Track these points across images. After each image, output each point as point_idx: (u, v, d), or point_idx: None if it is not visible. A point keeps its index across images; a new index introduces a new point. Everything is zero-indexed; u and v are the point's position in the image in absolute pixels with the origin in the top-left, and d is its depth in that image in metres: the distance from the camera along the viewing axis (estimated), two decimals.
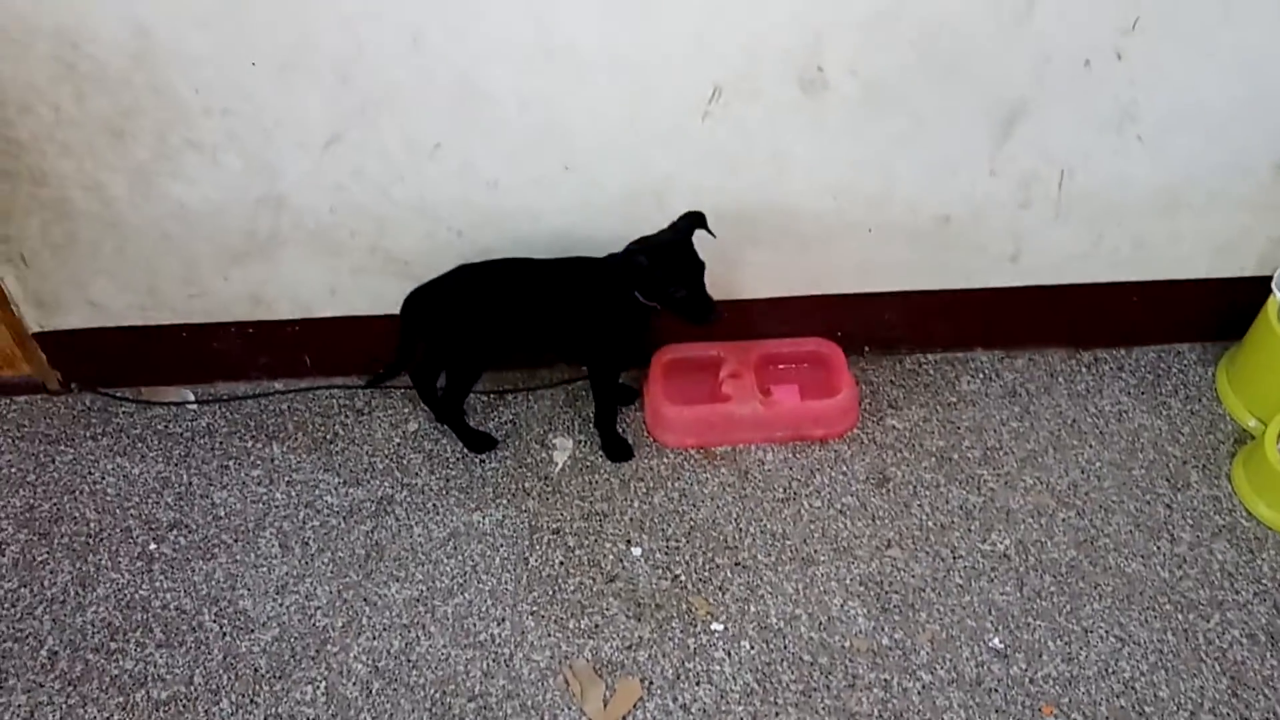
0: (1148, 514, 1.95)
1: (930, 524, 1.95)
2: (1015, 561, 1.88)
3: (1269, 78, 1.85)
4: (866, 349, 2.28)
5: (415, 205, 1.95)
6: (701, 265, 1.82)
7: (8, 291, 2.07)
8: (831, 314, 2.21)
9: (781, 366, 2.22)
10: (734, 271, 2.10)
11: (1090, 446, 2.08)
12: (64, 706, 1.70)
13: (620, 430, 2.10)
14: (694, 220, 1.82)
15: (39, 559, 1.92)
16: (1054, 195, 2.02)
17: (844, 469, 2.06)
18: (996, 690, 1.69)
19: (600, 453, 2.09)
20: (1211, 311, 2.23)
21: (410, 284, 2.00)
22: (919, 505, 1.99)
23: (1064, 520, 1.95)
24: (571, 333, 1.96)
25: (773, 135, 1.89)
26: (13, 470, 2.09)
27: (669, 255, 1.79)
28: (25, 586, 1.88)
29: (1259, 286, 2.12)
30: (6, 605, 1.85)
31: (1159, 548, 1.90)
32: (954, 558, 1.89)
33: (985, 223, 2.06)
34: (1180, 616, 1.79)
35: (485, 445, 2.11)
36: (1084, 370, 2.25)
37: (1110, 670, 1.72)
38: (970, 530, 1.94)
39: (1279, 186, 2.02)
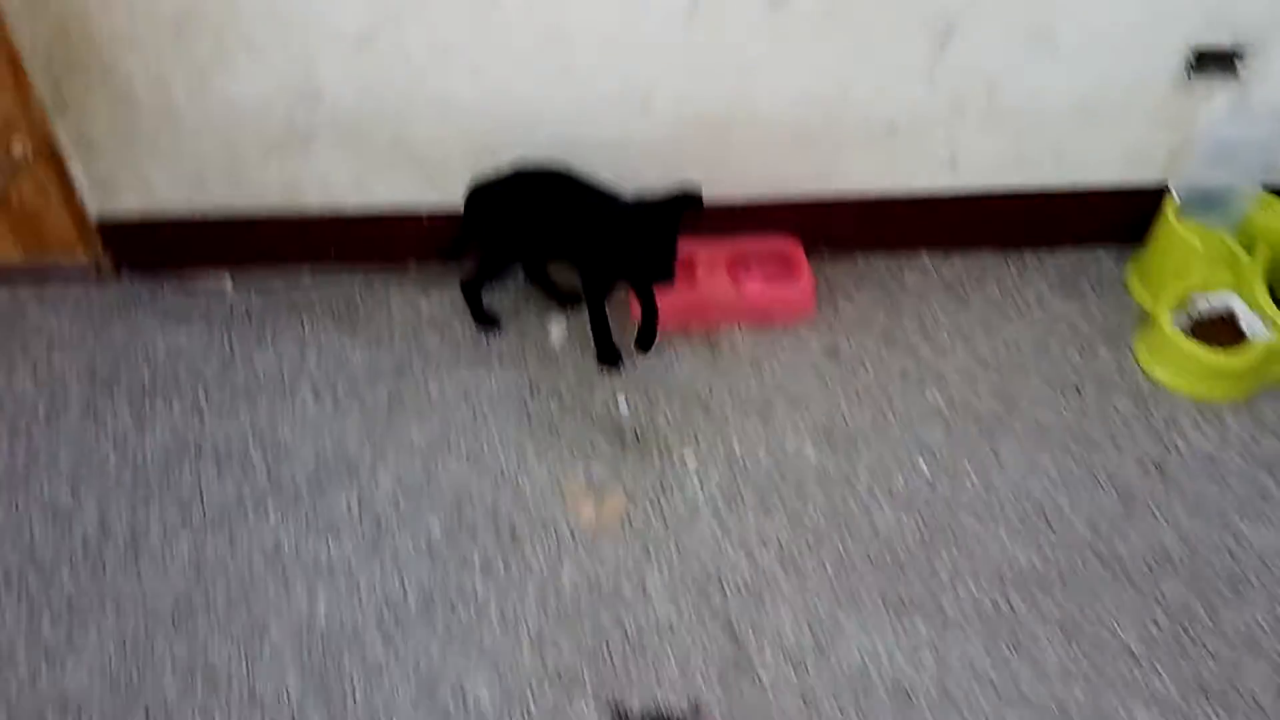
0: (1059, 376, 2.28)
1: (873, 385, 2.27)
2: (944, 413, 2.21)
3: (1163, 3, 2.19)
4: (824, 250, 2.60)
5: (434, 105, 2.26)
6: (676, 234, 2.07)
7: (74, 180, 2.36)
8: (793, 216, 2.52)
9: (749, 262, 2.52)
10: (710, 174, 2.41)
11: (1014, 325, 2.41)
12: (130, 514, 2.00)
13: (615, 339, 2.34)
14: (688, 200, 2.07)
15: (102, 405, 2.22)
16: (984, 106, 2.35)
17: (801, 344, 2.38)
18: (924, 506, 2.02)
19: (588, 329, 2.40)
20: (1124, 217, 2.56)
21: (426, 180, 2.31)
22: (864, 370, 2.31)
23: (985, 381, 2.28)
24: (579, 248, 2.23)
25: (742, 47, 2.21)
26: (73, 337, 2.38)
27: (652, 236, 2.06)
28: (93, 423, 2.17)
29: (1164, 194, 2.46)
30: (76, 437, 2.14)
31: (1067, 402, 2.23)
32: (891, 409, 2.21)
33: (926, 131, 2.39)
34: (1082, 452, 2.12)
35: (491, 324, 2.41)
36: (1012, 268, 2.58)
37: (1021, 491, 2.04)
38: (907, 389, 2.26)
39: (1176, 101, 2.36)
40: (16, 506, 2.00)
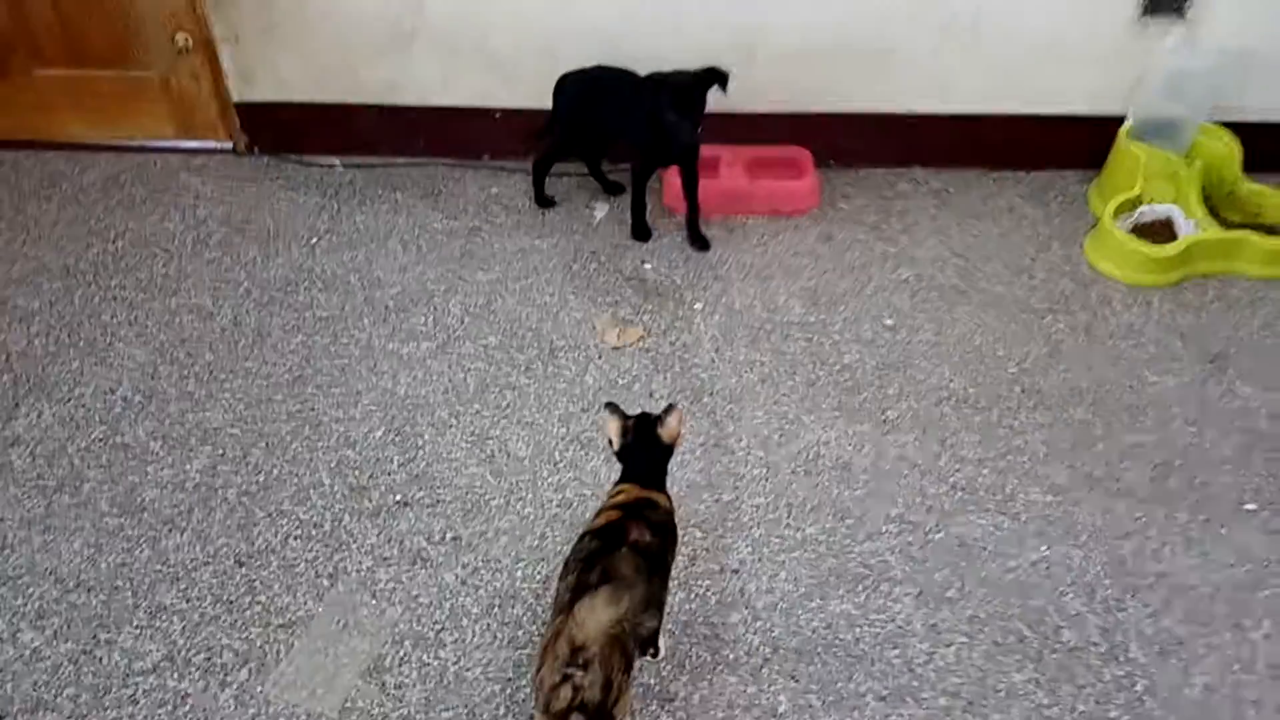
0: (1016, 263, 2.72)
1: (857, 263, 2.74)
2: (913, 284, 2.67)
3: None
4: (830, 161, 3.07)
5: (511, 16, 2.79)
6: (700, 105, 2.51)
7: (223, 66, 2.95)
8: (805, 129, 2.99)
9: (764, 164, 3.00)
10: (734, 89, 2.90)
11: (984, 225, 2.86)
12: (257, 317, 2.56)
13: (648, 219, 2.84)
14: (715, 76, 2.51)
15: (235, 242, 2.79)
16: (969, 40, 2.80)
17: (801, 231, 2.86)
18: (884, 348, 2.48)
19: (630, 211, 2.90)
20: (1089, 144, 2.97)
21: (501, 81, 2.84)
22: (850, 252, 2.78)
23: (953, 263, 2.73)
24: (632, 123, 2.71)
25: None
26: (213, 195, 2.96)
27: (680, 90, 2.52)
28: (226, 255, 2.75)
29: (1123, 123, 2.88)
30: (215, 262, 2.72)
31: (1019, 280, 2.67)
32: (869, 281, 2.68)
33: (919, 60, 2.85)
34: (1025, 316, 2.56)
35: (548, 204, 2.93)
36: (991, 183, 3.02)
37: (964, 339, 2.49)
38: (885, 267, 2.72)
39: (1133, 40, 2.78)
40: (170, 307, 2.58)
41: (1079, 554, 2.01)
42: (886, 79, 2.90)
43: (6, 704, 1.74)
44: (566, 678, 1.40)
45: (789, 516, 2.06)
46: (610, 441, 1.76)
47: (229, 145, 3.10)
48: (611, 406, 1.75)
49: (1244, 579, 1.96)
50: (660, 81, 2.54)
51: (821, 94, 2.94)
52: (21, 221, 2.85)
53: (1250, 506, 2.09)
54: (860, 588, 1.94)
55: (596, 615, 1.42)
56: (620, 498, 1.67)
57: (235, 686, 1.77)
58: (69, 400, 2.31)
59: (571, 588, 1.52)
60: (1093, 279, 2.68)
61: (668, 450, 1.75)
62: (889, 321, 2.55)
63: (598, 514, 1.68)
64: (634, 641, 1.51)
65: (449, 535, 2.04)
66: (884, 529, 2.05)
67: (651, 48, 2.82)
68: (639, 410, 1.78)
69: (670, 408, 1.75)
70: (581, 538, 1.62)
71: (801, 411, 2.31)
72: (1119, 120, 2.89)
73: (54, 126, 3.09)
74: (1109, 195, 2.83)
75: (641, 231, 2.82)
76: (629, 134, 2.73)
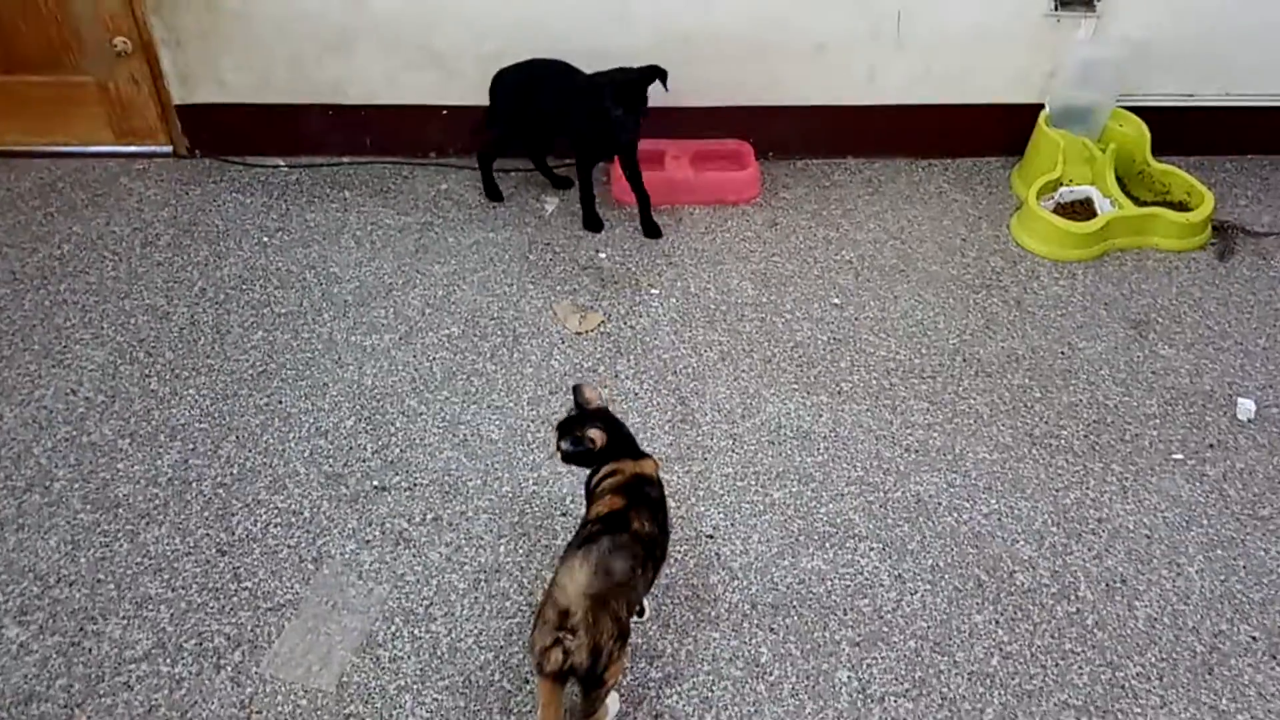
0: (948, 243, 2.89)
1: (801, 247, 2.87)
2: (855, 265, 2.80)
3: None
4: (770, 152, 3.20)
5: (454, 15, 2.85)
6: (643, 101, 2.62)
7: (164, 70, 2.93)
8: (745, 122, 3.11)
9: (708, 156, 3.11)
10: (677, 83, 3.00)
11: (916, 209, 3.02)
12: (214, 315, 2.55)
13: (598, 210, 2.92)
14: (657, 73, 2.63)
15: (184, 243, 2.78)
16: (896, 33, 2.96)
17: (747, 218, 2.97)
18: (833, 325, 2.60)
19: (578, 205, 2.98)
20: (1009, 131, 3.16)
21: (446, 79, 2.89)
22: (795, 237, 2.90)
23: (890, 245, 2.87)
24: (572, 120, 2.80)
25: None
26: (158, 198, 2.94)
27: (625, 86, 2.61)
28: (177, 257, 2.73)
29: (1040, 110, 3.08)
30: (166, 263, 2.70)
31: (952, 259, 2.83)
32: (814, 263, 2.81)
33: (850, 53, 3.00)
34: (960, 292, 2.72)
35: (497, 197, 2.99)
36: (920, 171, 3.19)
37: (907, 315, 2.63)
38: (828, 250, 2.85)
39: (1047, 33, 2.97)
40: (125, 308, 2.56)
41: (1026, 505, 2.15)
42: (820, 73, 3.04)
43: None
44: (557, 641, 1.46)
45: (757, 483, 2.16)
46: (588, 452, 1.72)
47: (169, 149, 3.08)
48: (564, 430, 1.73)
49: (1176, 520, 2.13)
50: (605, 78, 2.62)
51: (759, 89, 3.07)
52: None
53: (1177, 456, 2.27)
54: (828, 545, 2.04)
55: (575, 578, 1.48)
56: (617, 479, 1.70)
57: (230, 668, 1.78)
58: (29, 402, 2.28)
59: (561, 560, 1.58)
60: (1020, 256, 2.85)
61: (608, 413, 1.77)
62: (836, 300, 2.68)
63: (595, 493, 1.70)
64: (626, 611, 1.57)
65: (429, 516, 2.08)
66: (846, 490, 2.16)
67: (595, 44, 2.91)
68: (561, 419, 1.79)
69: (578, 387, 1.77)
70: (584, 524, 1.66)
71: (761, 386, 2.41)
72: (1036, 108, 3.08)
73: None
74: (1031, 178, 3.01)
75: (593, 222, 2.90)
76: (568, 128, 2.81)
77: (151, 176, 3.01)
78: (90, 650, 1.80)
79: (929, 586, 1.98)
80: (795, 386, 2.41)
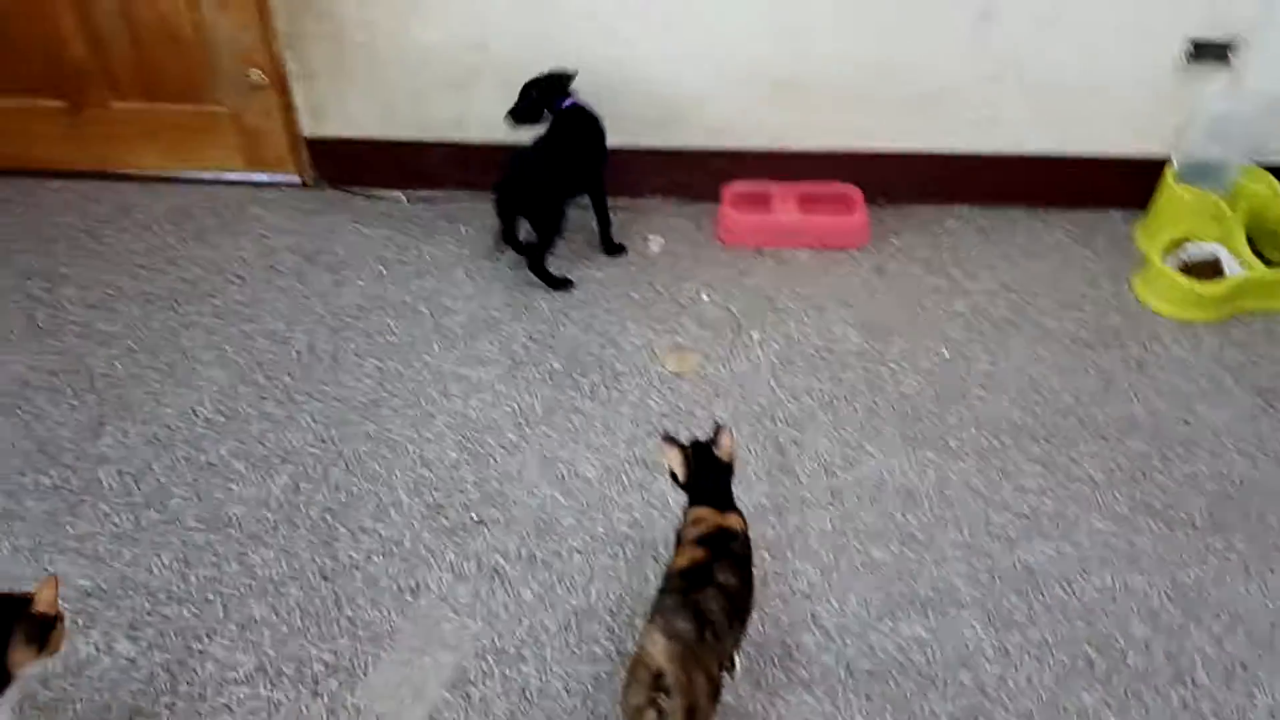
0: (1066, 299, 2.79)
1: (910, 295, 2.81)
2: (966, 316, 2.73)
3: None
4: (880, 198, 3.15)
5: (572, 58, 2.90)
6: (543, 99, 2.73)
7: (295, 103, 3.06)
8: (855, 166, 3.07)
9: (815, 199, 3.08)
10: (787, 128, 3.00)
11: (1033, 262, 2.93)
12: (331, 342, 2.63)
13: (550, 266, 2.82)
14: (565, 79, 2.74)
15: (306, 271, 2.88)
16: (1016, 80, 2.89)
17: (854, 264, 2.93)
18: (941, 378, 2.54)
19: (686, 243, 2.98)
20: (1134, 184, 3.04)
21: None
22: (904, 285, 2.85)
23: (1004, 297, 2.79)
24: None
25: (812, 20, 2.80)
26: (284, 226, 3.06)
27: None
28: (298, 283, 2.83)
29: (1167, 164, 2.96)
30: (288, 290, 2.80)
31: (1070, 315, 2.73)
32: (923, 312, 2.75)
33: (967, 99, 2.94)
34: (1076, 349, 2.62)
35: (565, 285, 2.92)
36: (1037, 221, 3.09)
37: (1020, 371, 2.55)
38: (937, 299, 2.79)
39: (1178, 85, 2.86)
40: (247, 332, 2.66)
41: (1142, 580, 2.05)
42: (935, 118, 2.98)
43: (105, 712, 1.80)
44: (652, 701, 1.45)
45: (856, 541, 2.11)
46: (674, 474, 1.79)
47: (297, 179, 3.21)
48: (669, 438, 1.79)
49: None
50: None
51: (870, 133, 3.03)
52: (98, 249, 2.95)
53: None
54: (930, 611, 1.98)
55: (664, 639, 1.46)
56: (701, 528, 1.70)
57: (327, 697, 1.82)
58: (152, 420, 2.39)
59: (651, 613, 1.57)
60: (1142, 314, 2.73)
61: (729, 469, 1.80)
62: (945, 352, 2.61)
63: (679, 546, 1.71)
64: (719, 668, 1.55)
65: (524, 553, 2.10)
66: (950, 554, 2.09)
67: (700, 87, 2.92)
68: (689, 438, 1.82)
69: (720, 428, 1.80)
70: (668, 578, 1.64)
71: (863, 438, 2.36)
72: (1162, 161, 2.96)
73: (127, 158, 3.21)
74: (1156, 234, 2.89)
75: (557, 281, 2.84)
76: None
77: (279, 205, 3.14)
78: (195, 670, 1.86)
79: (1035, 662, 1.90)
80: (899, 441, 2.36)
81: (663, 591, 1.60)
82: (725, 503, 1.75)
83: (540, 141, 2.75)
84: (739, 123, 3.01)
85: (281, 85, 3.02)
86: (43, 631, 1.51)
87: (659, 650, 1.43)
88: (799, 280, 2.86)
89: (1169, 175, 2.91)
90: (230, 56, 2.97)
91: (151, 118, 3.13)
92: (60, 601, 1.55)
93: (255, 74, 3.00)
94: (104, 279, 2.83)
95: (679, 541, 1.70)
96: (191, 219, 3.08)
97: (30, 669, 1.52)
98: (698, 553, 1.61)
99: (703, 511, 1.70)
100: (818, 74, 2.90)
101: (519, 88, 2.79)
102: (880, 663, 1.88)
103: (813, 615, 1.96)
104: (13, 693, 1.51)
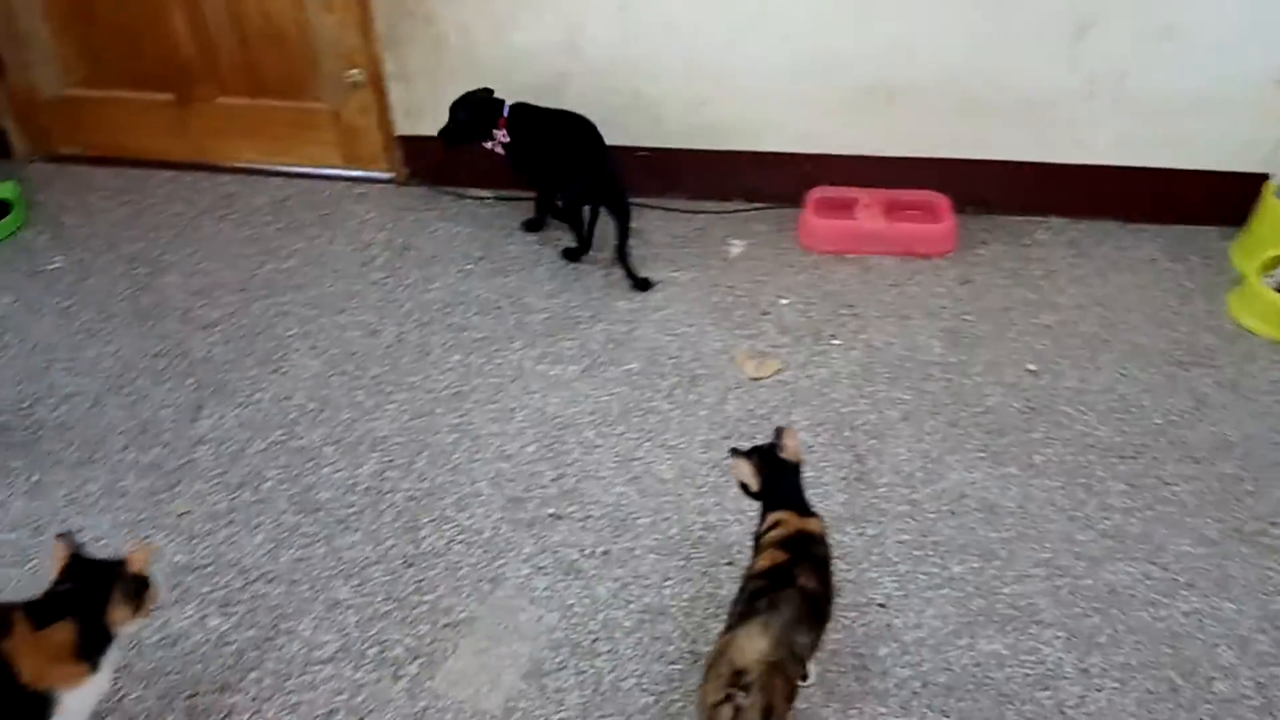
0: (1158, 315, 2.72)
1: (996, 307, 2.77)
2: (1054, 331, 2.68)
3: (1265, 11, 2.63)
4: (968, 207, 3.10)
5: (661, 64, 2.92)
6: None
7: (390, 102, 3.14)
8: (943, 174, 3.04)
9: (902, 206, 3.05)
10: (875, 134, 2.98)
11: (1124, 277, 2.86)
12: (418, 335, 2.70)
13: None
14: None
15: (397, 266, 2.96)
16: (1114, 92, 2.83)
17: (939, 273, 2.90)
18: (1027, 392, 2.49)
19: (767, 248, 2.99)
20: (1231, 200, 2.94)
21: (651, 122, 2.98)
22: (989, 296, 2.80)
23: (1094, 312, 2.73)
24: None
25: (909, 26, 2.78)
26: (377, 222, 3.15)
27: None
28: (389, 278, 2.91)
29: (1267, 180, 2.86)
30: (377, 287, 2.88)
31: (1161, 331, 2.66)
32: (1009, 324, 2.70)
33: (1062, 110, 2.88)
34: (1168, 368, 2.55)
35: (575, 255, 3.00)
36: (1129, 235, 3.02)
37: (1108, 389, 2.49)
38: (1025, 312, 2.74)
39: (1277, 100, 2.77)
40: (339, 323, 2.75)
41: (1231, 607, 1.99)
42: (1029, 128, 2.93)
43: (195, 684, 1.88)
44: (729, 698, 1.46)
45: (935, 554, 2.09)
46: (745, 485, 1.79)
47: (390, 176, 3.30)
48: (735, 451, 1.80)
49: None
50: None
51: (960, 140, 2.99)
52: (199, 238, 3.08)
53: None
54: (1009, 628, 1.95)
55: (755, 643, 1.48)
56: (781, 531, 1.70)
57: (407, 680, 1.87)
58: (248, 405, 2.48)
59: (738, 614, 1.58)
60: (1237, 334, 2.65)
61: (797, 469, 1.79)
62: (1031, 366, 2.56)
63: (758, 548, 1.71)
64: (795, 673, 1.55)
65: (600, 550, 2.13)
66: (1032, 572, 2.06)
67: (791, 92, 2.92)
68: (752, 446, 1.82)
69: (782, 429, 1.80)
70: (749, 579, 1.65)
71: (945, 451, 2.34)
72: (1262, 177, 2.86)
73: (229, 151, 3.34)
74: (1253, 252, 2.80)
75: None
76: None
77: (372, 201, 3.24)
78: (282, 647, 1.93)
79: (1117, 685, 1.86)
80: (982, 455, 2.32)
81: (745, 592, 1.61)
82: (803, 506, 1.75)
83: (584, 133, 2.80)
84: (826, 128, 3.00)
85: (378, 85, 3.11)
86: (137, 591, 1.59)
87: (745, 648, 1.44)
88: (882, 288, 2.84)
89: (1268, 191, 2.81)
90: (331, 56, 3.07)
91: (254, 113, 3.25)
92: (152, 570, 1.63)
93: (354, 73, 3.09)
94: (205, 267, 2.95)
95: (758, 545, 1.71)
96: (288, 212, 3.19)
97: (128, 628, 1.60)
98: (779, 555, 1.62)
99: (782, 515, 1.70)
100: (910, 80, 2.88)
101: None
102: (957, 678, 1.86)
103: (889, 627, 1.95)
104: (114, 653, 1.59)
